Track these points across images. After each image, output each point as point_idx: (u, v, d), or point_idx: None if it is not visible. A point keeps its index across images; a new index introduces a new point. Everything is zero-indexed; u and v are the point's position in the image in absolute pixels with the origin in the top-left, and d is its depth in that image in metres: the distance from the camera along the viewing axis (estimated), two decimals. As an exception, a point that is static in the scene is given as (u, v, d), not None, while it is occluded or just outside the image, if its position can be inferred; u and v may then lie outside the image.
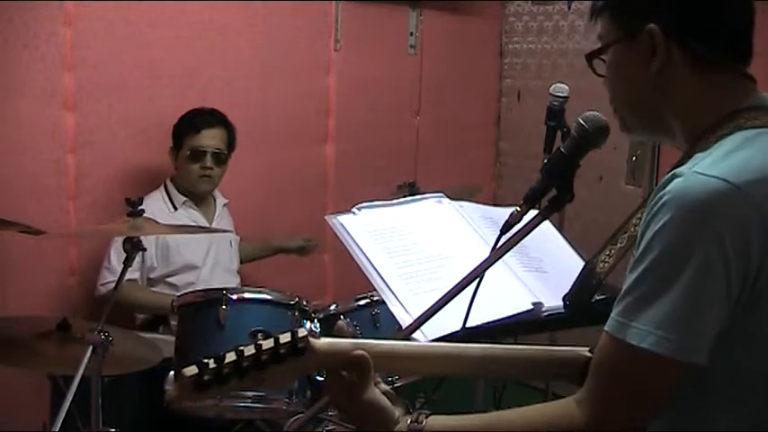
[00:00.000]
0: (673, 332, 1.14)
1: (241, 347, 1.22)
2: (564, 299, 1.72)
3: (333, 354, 1.28)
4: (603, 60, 1.37)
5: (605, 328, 1.21)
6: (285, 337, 1.23)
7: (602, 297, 1.73)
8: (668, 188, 1.18)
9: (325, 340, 1.28)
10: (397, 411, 1.30)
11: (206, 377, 1.19)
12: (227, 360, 1.20)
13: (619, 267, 1.60)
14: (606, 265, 1.60)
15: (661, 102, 1.32)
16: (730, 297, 1.16)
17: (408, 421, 1.28)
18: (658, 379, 1.18)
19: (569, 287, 1.72)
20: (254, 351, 1.21)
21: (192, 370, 1.19)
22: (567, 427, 1.21)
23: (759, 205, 1.15)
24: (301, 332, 1.24)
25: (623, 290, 1.20)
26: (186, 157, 3.29)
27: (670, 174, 1.20)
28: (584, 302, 1.67)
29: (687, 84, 1.29)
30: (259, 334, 2.44)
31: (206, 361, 1.19)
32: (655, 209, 1.18)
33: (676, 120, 1.32)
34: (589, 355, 1.36)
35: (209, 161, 3.30)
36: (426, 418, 1.28)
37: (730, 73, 1.29)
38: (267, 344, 1.22)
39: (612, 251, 1.62)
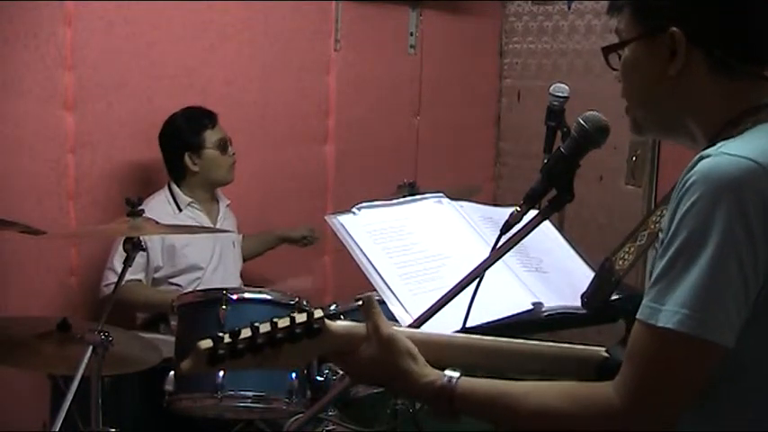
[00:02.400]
0: (698, 309, 1.14)
1: (256, 324, 1.22)
2: (582, 297, 1.72)
3: (348, 337, 1.29)
4: (619, 56, 1.37)
5: (637, 315, 1.21)
6: (301, 317, 1.24)
7: (619, 296, 1.72)
8: (695, 169, 1.18)
9: (341, 323, 1.29)
10: (418, 363, 1.31)
11: (220, 351, 1.20)
12: (242, 336, 1.21)
13: (637, 265, 1.59)
14: (626, 262, 1.60)
15: (676, 102, 1.32)
16: (757, 277, 1.15)
17: (445, 379, 1.28)
18: (690, 362, 1.16)
19: (587, 285, 1.71)
20: (269, 328, 1.22)
21: (206, 343, 1.20)
22: (601, 408, 1.20)
23: None
24: (317, 313, 1.25)
25: (655, 276, 1.20)
26: (216, 151, 3.32)
27: (697, 157, 1.21)
28: (603, 300, 1.66)
29: (705, 86, 1.29)
30: (259, 334, 2.44)
31: (221, 335, 1.20)
32: (683, 191, 1.18)
33: (692, 120, 1.32)
34: (605, 354, 1.37)
35: (231, 148, 3.37)
36: (458, 378, 1.29)
37: (749, 76, 1.29)
38: (283, 322, 1.23)
39: (632, 249, 1.61)
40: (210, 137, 3.31)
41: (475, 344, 1.39)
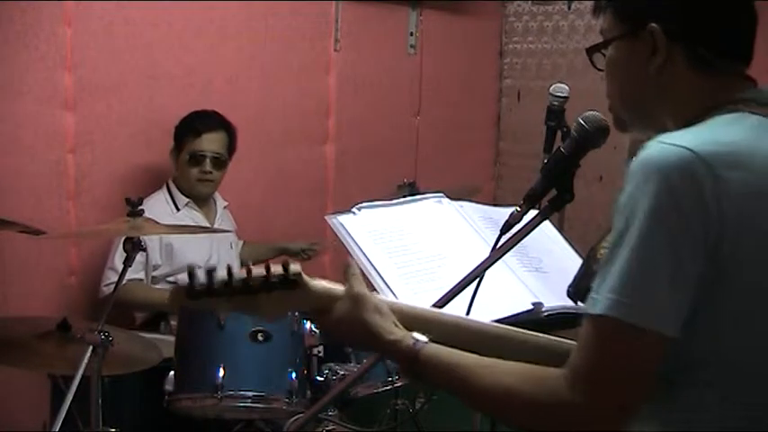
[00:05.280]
0: (626, 294, 1.13)
1: (232, 270, 1.26)
2: (568, 288, 1.73)
3: (326, 296, 1.33)
4: (604, 55, 1.38)
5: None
6: (277, 269, 1.27)
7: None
8: (634, 159, 1.19)
9: (321, 282, 1.32)
10: (386, 320, 1.33)
11: (197, 288, 1.24)
12: (217, 278, 1.25)
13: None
14: (606, 251, 1.62)
15: (657, 100, 1.32)
16: (695, 258, 1.12)
17: (411, 341, 1.30)
18: (625, 349, 1.14)
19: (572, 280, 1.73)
20: (244, 275, 1.26)
21: (185, 279, 1.25)
22: (549, 391, 1.18)
23: (718, 176, 1.13)
24: (295, 268, 1.28)
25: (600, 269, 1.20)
26: (186, 161, 3.30)
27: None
28: (585, 289, 1.68)
29: (683, 82, 1.30)
30: (259, 334, 2.44)
31: (198, 274, 1.25)
32: (624, 182, 1.18)
33: (669, 117, 1.32)
34: None
35: (208, 165, 3.30)
36: (425, 343, 1.30)
37: (724, 72, 1.30)
38: (258, 271, 1.26)
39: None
40: (188, 146, 3.29)
41: (463, 323, 1.40)
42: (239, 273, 1.26)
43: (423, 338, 1.30)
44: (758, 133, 1.22)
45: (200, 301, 1.25)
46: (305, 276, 1.29)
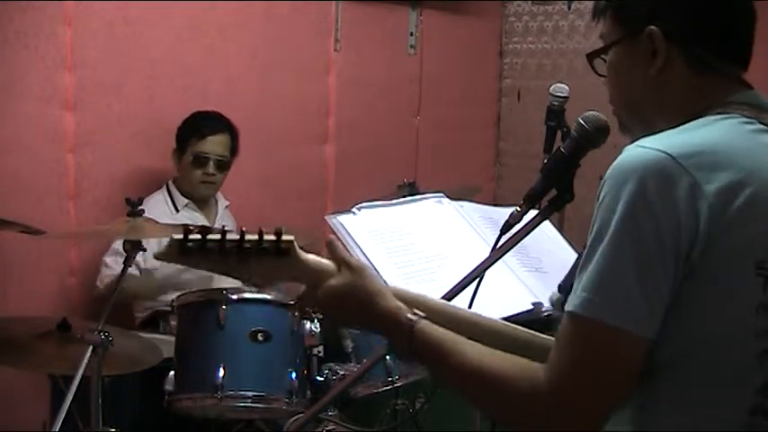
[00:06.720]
0: (597, 292, 1.13)
1: (226, 230, 1.27)
2: (558, 286, 1.74)
3: (318, 268, 1.33)
4: (604, 60, 1.38)
5: None
6: (269, 236, 1.28)
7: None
8: (613, 163, 1.19)
9: (312, 256, 1.33)
10: (388, 290, 1.34)
11: (189, 244, 1.24)
12: (210, 236, 1.25)
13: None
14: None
15: (656, 102, 1.32)
16: (665, 259, 1.13)
17: (408, 316, 1.30)
18: (595, 347, 1.14)
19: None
20: (237, 237, 1.26)
21: (178, 234, 1.25)
22: (529, 381, 1.18)
23: (694, 178, 1.14)
24: (288, 236, 1.28)
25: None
26: (189, 163, 3.31)
27: None
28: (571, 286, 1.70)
29: (683, 85, 1.29)
30: (259, 334, 2.44)
31: (192, 229, 1.25)
32: (600, 184, 1.19)
33: (666, 121, 1.31)
34: None
35: (211, 168, 3.31)
36: (423, 317, 1.30)
37: (725, 76, 1.30)
38: (251, 235, 1.27)
39: None
40: (192, 148, 3.30)
41: (454, 311, 1.41)
42: (231, 235, 1.26)
43: (420, 313, 1.31)
44: (738, 133, 1.22)
45: (193, 258, 1.25)
46: (298, 249, 1.30)
